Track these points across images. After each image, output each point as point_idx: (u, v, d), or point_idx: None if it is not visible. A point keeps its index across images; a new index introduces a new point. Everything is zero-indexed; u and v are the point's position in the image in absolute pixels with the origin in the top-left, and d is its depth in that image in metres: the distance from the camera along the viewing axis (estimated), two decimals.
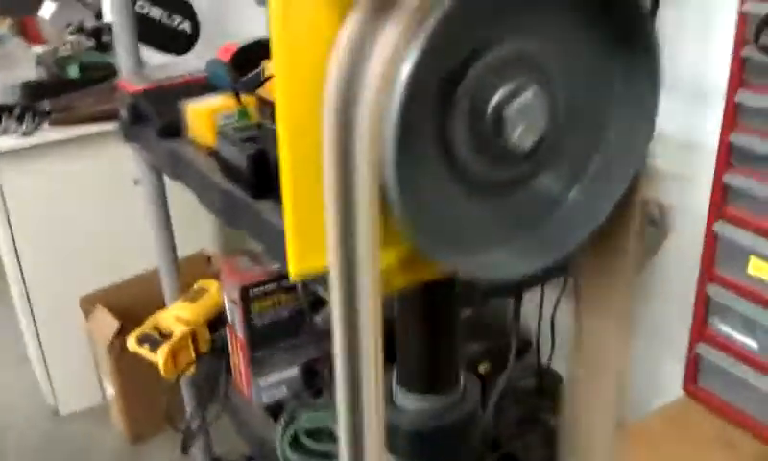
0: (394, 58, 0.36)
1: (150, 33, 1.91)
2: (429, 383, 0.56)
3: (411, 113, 0.38)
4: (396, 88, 0.37)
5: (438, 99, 0.42)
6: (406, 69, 0.37)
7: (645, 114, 0.46)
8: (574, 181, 0.48)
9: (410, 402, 0.57)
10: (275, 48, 0.40)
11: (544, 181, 0.47)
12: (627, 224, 0.47)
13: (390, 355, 0.55)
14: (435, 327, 0.55)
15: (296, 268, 0.44)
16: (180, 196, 1.42)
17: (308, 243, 0.44)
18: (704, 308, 1.18)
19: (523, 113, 0.41)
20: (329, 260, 0.41)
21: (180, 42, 2.01)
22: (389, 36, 0.37)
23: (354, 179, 0.38)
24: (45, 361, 2.40)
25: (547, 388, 1.58)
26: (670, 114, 1.27)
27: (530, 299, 1.46)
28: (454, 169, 0.44)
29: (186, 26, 1.99)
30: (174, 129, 1.40)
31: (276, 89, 0.41)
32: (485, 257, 0.46)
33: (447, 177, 0.44)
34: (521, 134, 0.42)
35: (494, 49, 0.42)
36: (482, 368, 1.56)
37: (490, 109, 0.42)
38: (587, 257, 0.50)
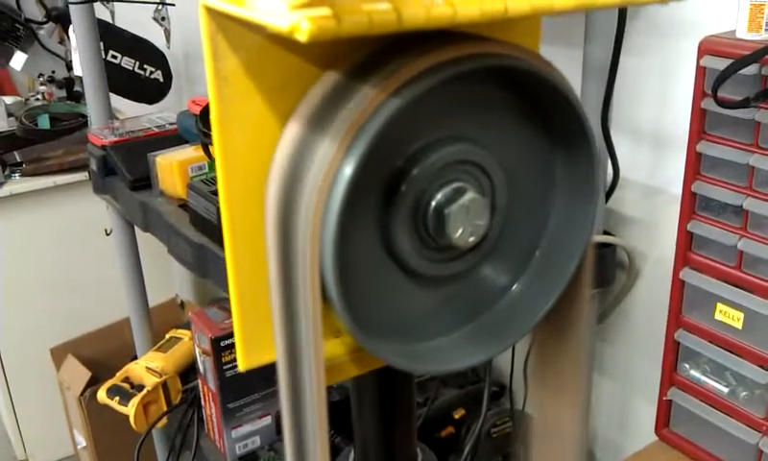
0: (332, 167, 0.38)
1: (121, 82, 1.92)
2: None
3: (350, 215, 0.39)
4: (335, 195, 0.38)
5: (379, 197, 0.43)
6: (343, 179, 0.38)
7: (585, 206, 0.47)
8: (518, 275, 0.49)
9: None
10: (217, 162, 0.42)
11: (489, 274, 0.48)
12: (577, 308, 0.48)
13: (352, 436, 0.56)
14: (390, 409, 0.55)
15: (244, 363, 0.46)
16: (152, 242, 1.42)
17: (256, 339, 0.46)
18: (673, 353, 1.19)
19: (464, 214, 0.43)
20: (276, 355, 0.42)
21: (151, 92, 2.01)
22: (327, 146, 0.38)
23: (297, 279, 0.40)
24: (15, 412, 2.36)
25: (522, 433, 1.58)
26: (636, 160, 1.30)
27: None
28: (397, 263, 0.45)
29: (158, 76, 2.00)
30: (144, 181, 1.41)
31: (221, 201, 0.43)
32: (431, 351, 0.47)
33: (390, 271, 0.45)
34: (462, 234, 0.43)
35: (435, 151, 0.43)
36: (457, 414, 1.57)
37: (431, 210, 0.43)
38: (538, 332, 0.50)
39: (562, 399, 0.51)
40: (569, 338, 0.49)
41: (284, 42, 0.41)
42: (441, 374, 1.47)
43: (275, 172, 0.41)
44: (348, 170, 0.38)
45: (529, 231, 0.49)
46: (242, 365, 0.46)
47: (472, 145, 0.44)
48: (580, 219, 0.47)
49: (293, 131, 0.41)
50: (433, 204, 0.43)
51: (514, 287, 0.49)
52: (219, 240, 1.13)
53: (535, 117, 0.46)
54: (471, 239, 0.44)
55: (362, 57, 0.41)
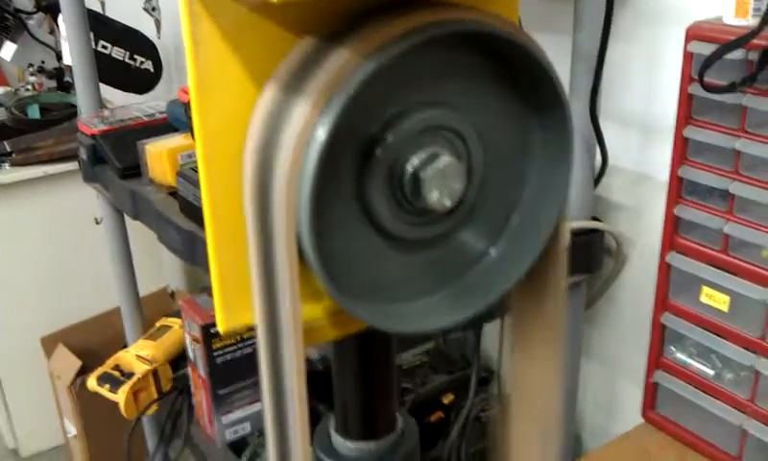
0: (306, 130, 0.38)
1: (111, 72, 1.92)
2: (364, 429, 0.57)
3: (326, 179, 0.40)
4: (309, 158, 0.39)
5: (356, 162, 0.43)
6: (317, 142, 0.39)
7: (560, 171, 0.47)
8: (495, 240, 0.50)
9: (347, 449, 0.58)
10: (195, 127, 0.42)
11: (466, 239, 0.49)
12: (555, 275, 0.49)
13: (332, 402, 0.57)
14: (369, 373, 0.56)
15: (224, 326, 0.47)
16: (143, 232, 1.43)
17: (235, 302, 0.47)
18: (659, 336, 1.20)
19: (440, 178, 0.43)
20: (255, 318, 0.42)
21: (141, 82, 2.02)
22: (302, 109, 0.39)
23: (274, 241, 0.40)
24: (5, 402, 2.36)
25: (500, 409, 1.58)
26: (624, 147, 1.31)
27: (494, 327, 1.48)
28: (375, 226, 0.45)
29: (149, 66, 2.00)
30: (134, 169, 1.41)
31: (199, 164, 0.44)
32: (409, 312, 0.48)
33: (368, 234, 0.46)
34: (438, 198, 0.43)
35: (410, 116, 0.43)
36: (446, 399, 1.57)
37: (407, 174, 0.44)
38: (516, 300, 0.51)
39: (539, 370, 0.51)
40: (547, 306, 0.49)
41: (262, 9, 0.41)
42: (418, 333, 1.48)
43: (251, 135, 0.41)
44: (321, 133, 0.38)
45: (505, 197, 0.49)
46: (221, 326, 0.46)
47: (448, 110, 0.45)
48: (555, 185, 0.48)
49: (269, 94, 0.41)
50: (409, 168, 0.44)
51: (491, 252, 0.50)
52: None
53: (511, 83, 0.47)
54: (448, 203, 0.44)
55: (338, 24, 0.41)
